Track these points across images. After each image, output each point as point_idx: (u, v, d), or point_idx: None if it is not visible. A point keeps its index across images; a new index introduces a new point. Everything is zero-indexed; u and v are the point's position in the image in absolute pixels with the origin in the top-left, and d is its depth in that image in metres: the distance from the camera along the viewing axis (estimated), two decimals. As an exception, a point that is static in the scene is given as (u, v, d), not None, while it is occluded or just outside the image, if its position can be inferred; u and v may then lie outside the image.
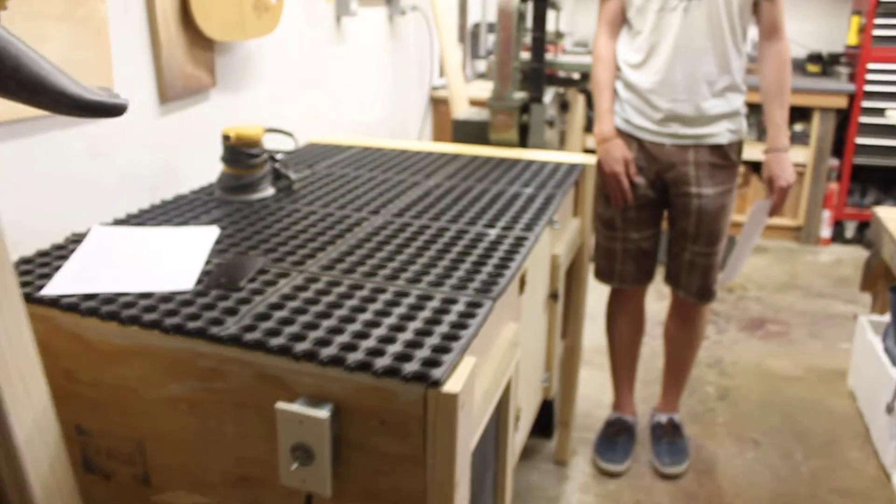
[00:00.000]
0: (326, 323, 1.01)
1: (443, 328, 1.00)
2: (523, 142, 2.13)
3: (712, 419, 2.53)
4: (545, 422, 2.36)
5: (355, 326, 1.00)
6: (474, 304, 1.07)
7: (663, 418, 2.34)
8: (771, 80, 1.89)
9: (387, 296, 1.10)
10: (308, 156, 1.94)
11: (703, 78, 1.87)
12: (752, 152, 3.85)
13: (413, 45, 2.96)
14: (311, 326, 1.01)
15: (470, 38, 3.46)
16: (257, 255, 1.24)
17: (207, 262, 1.22)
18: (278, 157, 1.64)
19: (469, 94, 3.02)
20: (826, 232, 4.23)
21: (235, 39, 1.71)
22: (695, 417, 2.53)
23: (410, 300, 1.09)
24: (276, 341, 0.96)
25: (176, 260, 1.22)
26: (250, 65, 1.89)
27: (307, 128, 2.24)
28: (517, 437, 1.49)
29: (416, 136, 3.00)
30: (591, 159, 1.96)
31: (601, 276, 2.16)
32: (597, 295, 2.51)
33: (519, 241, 1.32)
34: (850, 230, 4.25)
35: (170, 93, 1.57)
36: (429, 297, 1.10)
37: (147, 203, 1.54)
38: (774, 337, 3.15)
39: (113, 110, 0.88)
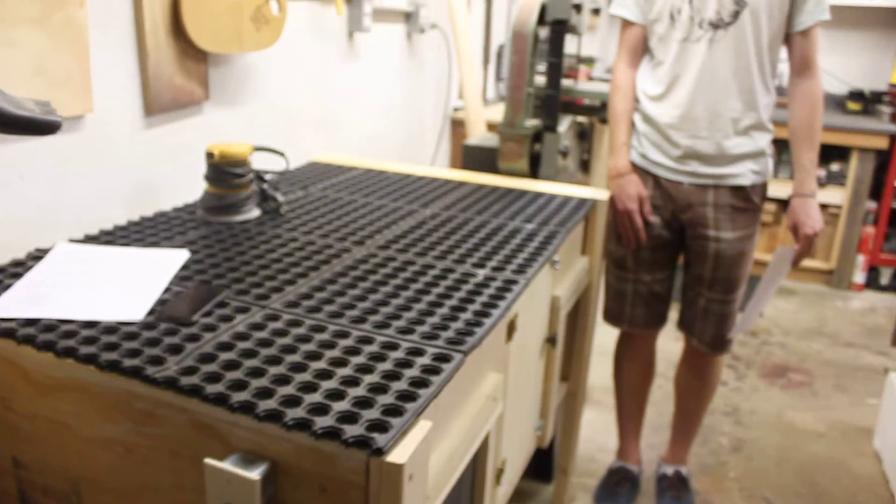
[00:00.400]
0: (274, 370, 0.92)
1: (401, 384, 0.90)
2: (534, 172, 2.03)
3: (723, 473, 2.39)
4: (545, 465, 2.24)
5: (304, 376, 0.91)
6: (442, 358, 0.97)
7: (670, 470, 2.21)
8: (801, 119, 1.76)
9: (348, 341, 1.00)
10: (305, 176, 1.86)
11: (727, 114, 1.75)
12: (782, 189, 3.71)
13: (432, 65, 2.88)
14: (257, 373, 0.91)
15: (495, 59, 3.37)
16: (220, 286, 1.15)
17: (167, 290, 1.14)
18: (267, 177, 1.56)
19: (489, 118, 2.93)
20: (860, 277, 4.05)
21: (231, 52, 1.64)
22: (705, 469, 2.39)
23: (373, 348, 0.99)
24: (213, 388, 0.87)
25: (133, 285, 1.13)
26: (249, 78, 1.82)
27: (311, 147, 2.16)
28: (500, 491, 1.37)
29: (429, 160, 2.91)
30: (602, 194, 1.85)
31: (610, 318, 2.04)
32: (608, 329, 2.39)
33: (507, 285, 1.22)
34: (885, 277, 4.06)
35: (156, 105, 1.50)
36: (393, 346, 1.00)
37: (125, 219, 1.47)
38: (797, 387, 2.99)
39: (44, 127, 0.80)
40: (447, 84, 2.88)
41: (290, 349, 0.97)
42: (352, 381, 0.90)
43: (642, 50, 1.87)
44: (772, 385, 2.99)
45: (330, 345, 0.99)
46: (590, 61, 3.37)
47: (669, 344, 2.97)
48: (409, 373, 0.93)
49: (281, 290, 1.16)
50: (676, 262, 1.99)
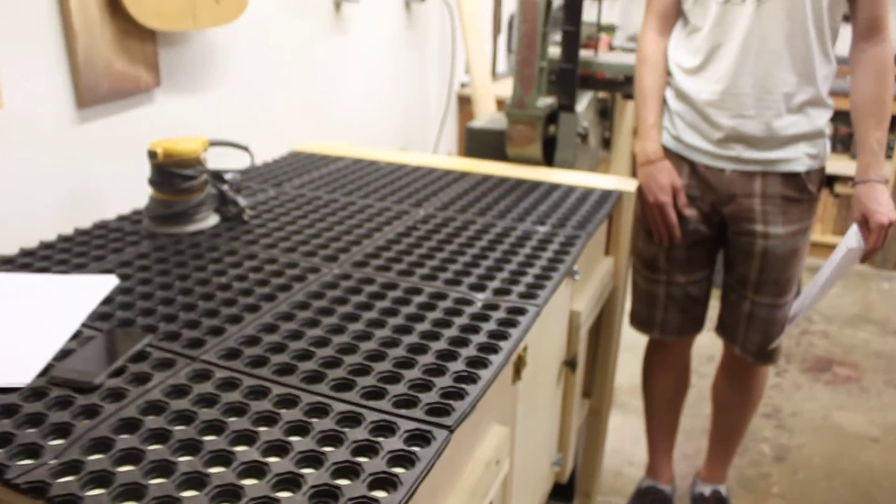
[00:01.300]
0: (185, 463, 0.67)
1: (374, 467, 0.65)
2: (549, 159, 1.76)
3: (766, 488, 2.13)
4: (566, 487, 1.99)
5: (225, 475, 0.66)
6: (420, 438, 0.72)
7: (707, 490, 1.95)
8: (867, 92, 1.47)
9: (294, 412, 0.75)
10: (282, 170, 1.61)
11: (779, 89, 1.46)
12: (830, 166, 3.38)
13: (435, 37, 2.59)
14: (163, 470, 0.67)
15: (506, 29, 3.08)
16: (140, 331, 0.91)
17: (76, 336, 0.90)
18: (227, 177, 1.31)
19: (500, 94, 2.65)
20: (907, 256, 3.73)
21: (184, 29, 1.38)
22: (745, 484, 2.13)
23: (326, 423, 0.74)
24: (95, 501, 0.63)
25: (30, 332, 0.89)
26: (212, 60, 1.56)
27: (294, 135, 1.90)
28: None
29: (433, 143, 2.63)
30: (630, 184, 1.58)
31: (638, 323, 1.78)
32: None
33: (513, 316, 0.96)
34: (936, 255, 3.74)
35: (90, 95, 1.25)
36: (355, 420, 0.74)
37: (56, 233, 1.22)
38: (844, 383, 2.71)
39: None
40: (451, 58, 2.59)
41: (215, 427, 0.73)
42: (292, 482, 0.66)
43: (675, 14, 1.58)
44: (815, 381, 2.71)
45: (270, 419, 0.74)
46: (610, 29, 3.05)
47: (702, 336, 2.70)
48: (373, 465, 0.68)
49: (221, 331, 0.91)
50: (715, 261, 1.72)
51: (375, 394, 0.79)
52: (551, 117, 1.73)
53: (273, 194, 1.44)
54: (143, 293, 1.01)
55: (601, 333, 1.65)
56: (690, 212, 1.60)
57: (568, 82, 1.69)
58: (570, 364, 1.33)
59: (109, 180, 1.35)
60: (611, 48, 2.31)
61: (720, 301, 1.74)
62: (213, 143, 1.29)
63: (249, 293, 1.01)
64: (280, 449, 0.70)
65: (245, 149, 1.34)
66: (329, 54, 2.01)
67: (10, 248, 1.15)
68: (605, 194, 1.51)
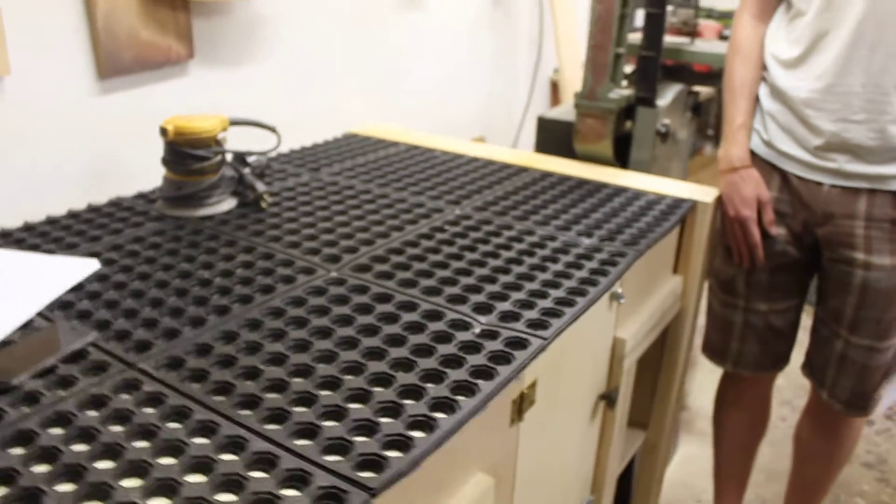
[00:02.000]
0: (91, 479, 0.58)
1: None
2: (624, 158, 1.57)
3: (858, 550, 1.86)
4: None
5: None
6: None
7: (782, 545, 1.72)
8: None
9: (172, 468, 0.64)
10: (329, 153, 1.51)
11: None
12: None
13: (526, 18, 2.42)
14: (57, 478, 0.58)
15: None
16: (83, 328, 0.82)
17: (26, 325, 0.83)
18: (251, 159, 1.22)
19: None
20: None
21: (221, -3, 1.30)
22: (833, 543, 1.87)
23: (202, 489, 0.62)
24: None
25: (-21, 317, 0.83)
26: (257, 31, 1.48)
27: (353, 116, 1.80)
28: None
29: (513, 135, 2.46)
30: (708, 194, 1.38)
31: (711, 353, 1.56)
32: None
33: (507, 353, 0.81)
34: None
35: (111, 65, 1.19)
36: (238, 486, 0.63)
37: (66, 208, 1.18)
38: (972, 436, 2.35)
39: None
40: (539, 39, 2.40)
41: (113, 452, 0.63)
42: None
43: (777, -3, 1.35)
44: (935, 429, 2.36)
45: (176, 448, 0.64)
46: (714, 14, 2.69)
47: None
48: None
49: (175, 335, 0.81)
50: (807, 289, 1.48)
51: (307, 432, 0.67)
52: (628, 112, 1.54)
53: (305, 180, 1.34)
54: (116, 282, 0.93)
55: (663, 360, 1.46)
56: (778, 230, 1.38)
57: (649, 72, 1.50)
58: (607, 399, 1.16)
59: (134, 155, 1.29)
60: (721, 37, 2.05)
61: (810, 335, 1.50)
62: (235, 122, 1.20)
63: (227, 292, 0.91)
64: (168, 489, 0.59)
65: (272, 129, 1.25)
66: (399, 30, 1.89)
67: (16, 220, 1.11)
68: (676, 203, 1.31)
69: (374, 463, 0.63)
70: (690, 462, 2.09)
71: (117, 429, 0.66)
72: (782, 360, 1.52)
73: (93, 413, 0.68)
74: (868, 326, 1.35)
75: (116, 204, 1.19)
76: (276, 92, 1.55)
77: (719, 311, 1.51)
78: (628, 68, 1.71)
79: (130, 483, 0.60)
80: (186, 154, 1.13)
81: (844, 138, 1.27)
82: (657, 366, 1.47)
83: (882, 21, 1.19)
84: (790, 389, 2.40)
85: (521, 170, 1.47)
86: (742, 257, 1.41)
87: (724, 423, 1.66)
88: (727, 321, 1.50)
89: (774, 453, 2.13)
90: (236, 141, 1.25)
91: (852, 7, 1.20)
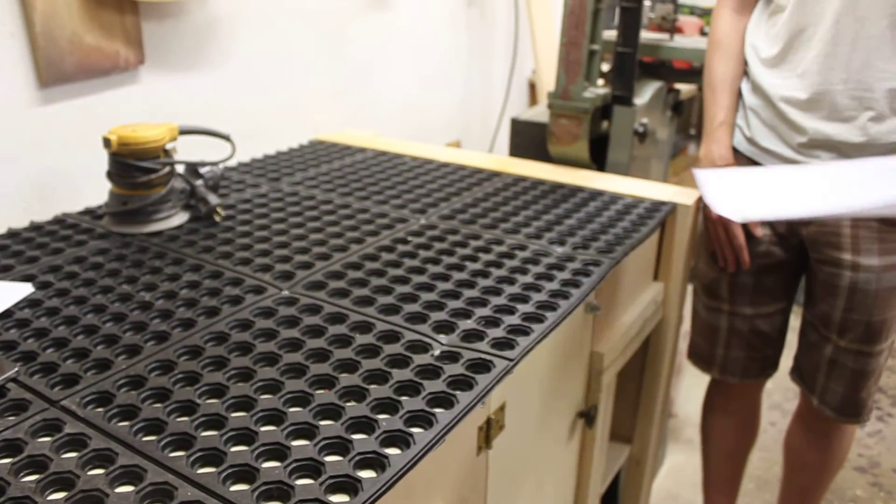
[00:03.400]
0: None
1: None
2: (599, 160, 1.51)
3: (852, 558, 1.81)
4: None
5: None
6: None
7: (775, 555, 1.66)
8: None
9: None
10: (291, 162, 1.44)
11: (881, 84, 1.16)
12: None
13: (504, 17, 2.35)
14: None
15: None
16: (9, 360, 0.75)
17: (-56, 359, 0.76)
18: (204, 171, 1.15)
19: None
20: None
21: (170, -1, 1.23)
22: (826, 551, 1.82)
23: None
24: None
25: None
26: (214, 34, 1.40)
27: (320, 122, 1.73)
28: None
29: (490, 139, 2.39)
30: (688, 196, 1.32)
31: (697, 359, 1.50)
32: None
33: (468, 377, 0.75)
34: None
35: (52, 73, 1.12)
36: (193, 519, 0.56)
37: (6, 226, 1.10)
38: (964, 435, 2.30)
39: None
40: (514, 39, 2.33)
41: (16, 512, 0.56)
42: None
43: (757, -10, 1.29)
44: (928, 429, 2.31)
45: (96, 500, 0.57)
46: (696, 11, 2.63)
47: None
48: None
49: (107, 366, 0.74)
50: (794, 292, 1.42)
51: (243, 475, 0.60)
52: (604, 111, 1.48)
53: (264, 191, 1.28)
54: (49, 308, 0.86)
55: (646, 371, 1.40)
56: (762, 231, 1.32)
57: (625, 69, 1.44)
58: (585, 416, 1.10)
59: (83, 169, 1.22)
60: (703, 33, 2.00)
61: (798, 339, 1.44)
62: (184, 131, 1.13)
63: (168, 316, 0.84)
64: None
65: (226, 138, 1.18)
66: (367, 31, 1.82)
67: (-52, 242, 1.03)
68: (655, 207, 1.25)
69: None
70: (678, 472, 2.03)
71: (31, 479, 0.59)
72: (770, 366, 1.46)
73: (5, 461, 0.61)
74: (858, 330, 1.29)
75: (60, 221, 1.12)
76: (236, 98, 1.48)
77: (704, 315, 1.45)
78: (605, 67, 1.65)
79: (35, 544, 0.53)
80: (131, 166, 1.06)
81: (828, 135, 1.21)
82: (640, 376, 1.41)
83: (861, 16, 1.13)
84: (779, 393, 2.35)
85: (494, 175, 1.41)
86: (728, 260, 1.35)
87: (711, 432, 1.60)
88: (712, 326, 1.44)
89: (764, 460, 2.08)
90: (190, 151, 1.18)
91: (830, 3, 1.15)
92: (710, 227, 1.35)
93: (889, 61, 1.15)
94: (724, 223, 1.32)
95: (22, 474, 0.60)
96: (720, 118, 1.34)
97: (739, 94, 1.35)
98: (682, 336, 1.54)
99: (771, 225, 1.32)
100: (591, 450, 1.14)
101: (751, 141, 1.33)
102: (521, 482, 0.94)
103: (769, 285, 1.38)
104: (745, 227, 1.32)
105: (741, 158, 1.34)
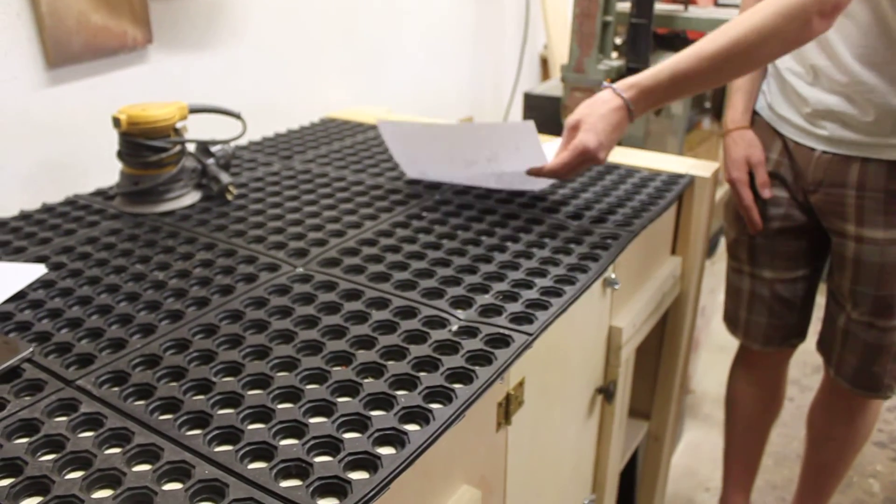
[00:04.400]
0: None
1: None
2: (615, 133, 1.48)
3: (873, 533, 1.80)
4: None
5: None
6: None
7: (794, 532, 1.65)
8: None
9: (164, 487, 0.57)
10: (303, 140, 1.43)
11: (884, 51, 1.13)
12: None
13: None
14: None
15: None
16: (23, 342, 0.75)
17: (-42, 340, 0.75)
18: (215, 149, 1.14)
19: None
20: None
21: (178, -24, 1.21)
22: (846, 526, 1.81)
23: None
24: None
25: None
26: (223, 11, 1.39)
27: (331, 99, 1.71)
28: None
29: (501, 115, 2.36)
30: (707, 168, 1.30)
31: (727, 321, 1.51)
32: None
33: (487, 351, 0.73)
34: None
35: (60, 53, 1.11)
36: None
37: (19, 208, 1.10)
38: None
39: None
40: (525, 12, 2.30)
41: (38, 486, 0.56)
42: None
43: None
44: (950, 403, 2.29)
45: (114, 479, 0.56)
46: None
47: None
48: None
49: (122, 346, 0.74)
50: (820, 260, 1.40)
51: (261, 453, 0.59)
52: (619, 84, 1.45)
53: (276, 169, 1.26)
54: (62, 289, 0.85)
55: (664, 346, 1.38)
56: (770, 192, 1.31)
57: (639, 41, 1.41)
58: (604, 392, 1.08)
59: (93, 149, 1.21)
60: (717, 4, 1.96)
61: (824, 310, 1.42)
62: (195, 110, 1.12)
63: (182, 295, 0.83)
64: None
65: (237, 116, 1.17)
66: (377, 7, 1.79)
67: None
68: (672, 180, 1.23)
69: (335, 488, 0.56)
70: (696, 449, 2.02)
71: (48, 458, 0.59)
72: (794, 335, 1.44)
73: (22, 441, 0.60)
74: (866, 302, 1.27)
75: (72, 202, 1.11)
76: (246, 77, 1.47)
77: (730, 277, 1.47)
78: (618, 39, 1.62)
79: (54, 523, 0.53)
80: (142, 146, 1.05)
81: (829, 106, 1.19)
82: (658, 352, 1.39)
83: None
84: (797, 368, 2.32)
85: (508, 150, 1.38)
86: (749, 221, 1.34)
87: (735, 401, 1.59)
88: (736, 288, 1.45)
89: (782, 435, 2.07)
90: (201, 130, 1.17)
91: None
92: (730, 188, 1.35)
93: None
94: (731, 183, 1.31)
95: (39, 453, 0.59)
96: (737, 84, 1.33)
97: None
98: (699, 311, 1.52)
99: (788, 188, 1.31)
100: (610, 426, 1.12)
101: (770, 107, 1.31)
102: (540, 458, 0.93)
103: (788, 249, 1.36)
104: (754, 189, 1.31)
105: (762, 124, 1.33)
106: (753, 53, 0.98)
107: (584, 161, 1.03)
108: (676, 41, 1.65)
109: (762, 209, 1.33)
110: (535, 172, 1.07)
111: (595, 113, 1.03)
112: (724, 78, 1.06)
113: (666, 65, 1.02)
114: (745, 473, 1.65)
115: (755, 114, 1.35)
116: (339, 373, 0.69)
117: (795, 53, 1.21)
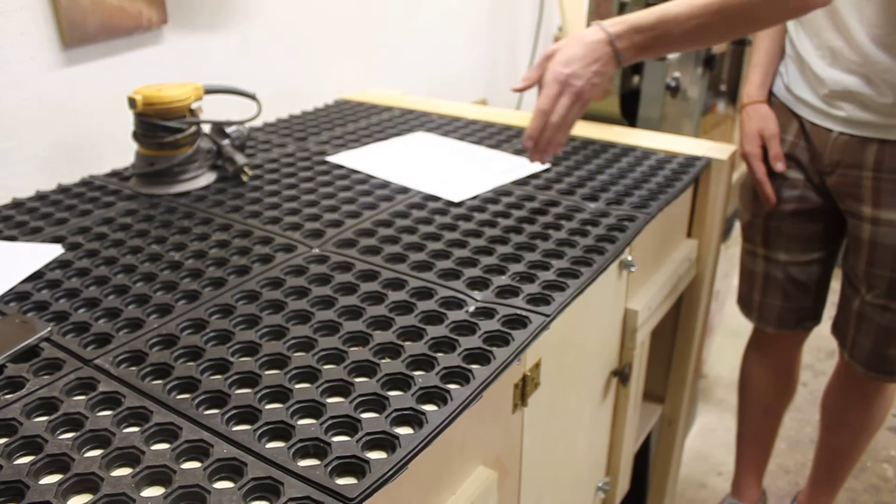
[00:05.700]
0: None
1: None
2: (632, 115, 1.47)
3: (886, 517, 1.79)
4: (637, 488, 1.75)
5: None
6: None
7: (807, 518, 1.65)
8: None
9: (121, 481, 0.57)
10: (318, 122, 1.42)
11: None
12: None
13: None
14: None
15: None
16: (41, 321, 0.75)
17: (-23, 319, 0.75)
18: (230, 130, 1.14)
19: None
20: None
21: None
22: (860, 511, 1.80)
23: None
24: None
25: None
26: (237, -7, 1.38)
27: (345, 81, 1.70)
28: None
29: (516, 97, 2.34)
30: (723, 151, 1.28)
31: (741, 303, 1.51)
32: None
33: (504, 333, 0.73)
34: None
35: (75, 33, 1.10)
36: (271, 491, 0.55)
37: (35, 188, 1.10)
38: None
39: None
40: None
41: (58, 464, 0.56)
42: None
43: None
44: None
45: (132, 457, 0.57)
46: None
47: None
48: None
49: (139, 325, 0.74)
50: (835, 243, 1.39)
51: (279, 433, 0.59)
52: (635, 66, 1.44)
53: (291, 150, 1.26)
54: (79, 269, 0.85)
55: (679, 330, 1.38)
56: (785, 166, 1.30)
57: (657, 23, 1.39)
58: (619, 374, 1.08)
59: (109, 130, 1.21)
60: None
61: (839, 294, 1.41)
62: (210, 90, 1.11)
63: (198, 275, 0.84)
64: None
65: (252, 97, 1.16)
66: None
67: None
68: (689, 162, 1.22)
69: (353, 467, 0.56)
70: (709, 433, 2.02)
71: (67, 436, 0.59)
72: (808, 318, 1.44)
73: (41, 419, 0.61)
74: (881, 284, 1.26)
75: (88, 183, 1.11)
76: (261, 58, 1.46)
77: (744, 259, 1.46)
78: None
79: (78, 500, 0.53)
80: (157, 126, 1.05)
81: (846, 86, 1.17)
82: (672, 335, 1.39)
83: None
84: (810, 353, 2.31)
85: (522, 131, 1.38)
86: (764, 197, 1.34)
87: (748, 385, 1.58)
88: (750, 271, 1.44)
89: (795, 420, 2.06)
90: (216, 111, 1.17)
91: None
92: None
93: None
94: (744, 157, 1.31)
95: (59, 432, 0.60)
96: (755, 60, 1.33)
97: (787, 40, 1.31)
98: (713, 295, 1.51)
99: (804, 169, 1.29)
100: (624, 408, 1.12)
101: (787, 88, 1.30)
102: (555, 440, 0.92)
103: (803, 231, 1.35)
104: (767, 163, 1.31)
105: (779, 105, 1.32)
106: (745, 13, 0.95)
107: (560, 84, 0.98)
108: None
109: (778, 190, 1.32)
110: (520, 89, 1.06)
111: (573, 41, 1.01)
112: (711, 35, 0.99)
113: (657, 7, 0.99)
114: (758, 457, 1.65)
115: (772, 95, 1.33)
116: (357, 353, 0.69)
117: (812, 34, 1.20)
